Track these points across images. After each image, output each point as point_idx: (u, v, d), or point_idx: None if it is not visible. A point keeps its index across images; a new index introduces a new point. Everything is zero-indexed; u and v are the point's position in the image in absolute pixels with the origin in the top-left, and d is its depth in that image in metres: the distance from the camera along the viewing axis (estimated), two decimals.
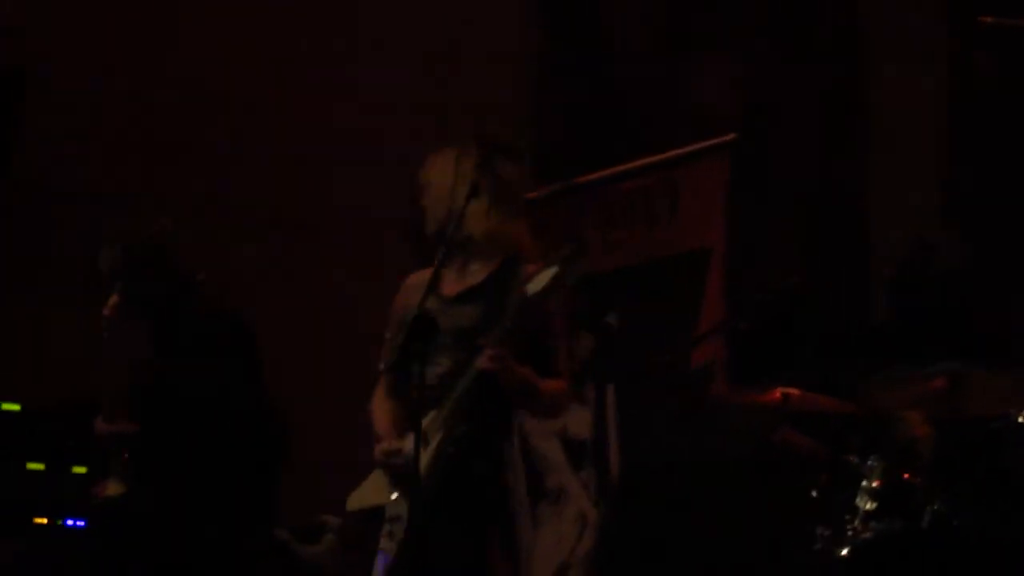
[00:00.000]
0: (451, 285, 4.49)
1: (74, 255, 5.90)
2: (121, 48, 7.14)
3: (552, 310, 4.37)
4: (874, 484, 5.21)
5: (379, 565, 4.41)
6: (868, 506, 5.19)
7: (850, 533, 5.20)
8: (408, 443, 4.24)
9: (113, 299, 5.29)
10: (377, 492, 4.56)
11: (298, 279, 7.05)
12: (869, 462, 5.25)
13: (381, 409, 4.63)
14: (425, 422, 4.28)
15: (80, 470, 6.22)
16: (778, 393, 5.52)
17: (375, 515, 4.50)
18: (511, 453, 4.43)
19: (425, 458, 4.27)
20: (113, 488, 5.35)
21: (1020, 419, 5.20)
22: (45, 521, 6.15)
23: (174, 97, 7.21)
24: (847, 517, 5.24)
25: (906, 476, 5.19)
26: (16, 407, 6.25)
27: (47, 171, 6.94)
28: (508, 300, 4.33)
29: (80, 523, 6.06)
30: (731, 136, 6.19)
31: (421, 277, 4.53)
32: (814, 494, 5.30)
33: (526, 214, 4.57)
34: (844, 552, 5.16)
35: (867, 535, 5.15)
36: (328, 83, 7.25)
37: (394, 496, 4.44)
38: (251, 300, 5.48)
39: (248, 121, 7.16)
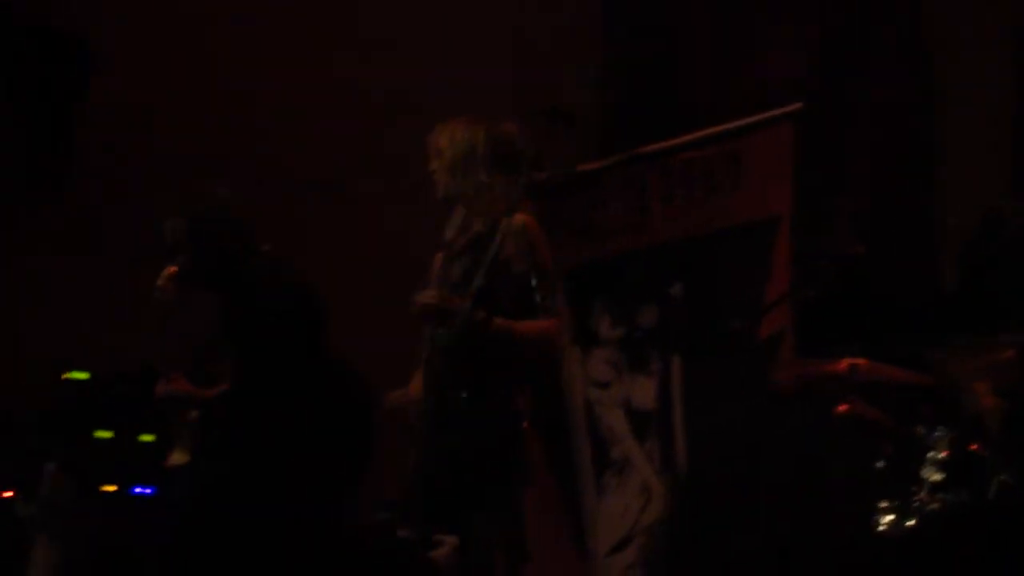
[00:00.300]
0: (453, 240, 4.58)
1: (139, 225, 5.83)
2: (183, 20, 7.15)
3: (530, 248, 4.39)
4: (941, 455, 5.19)
5: None
6: (934, 477, 5.17)
7: (916, 504, 5.18)
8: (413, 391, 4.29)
9: (169, 270, 5.24)
10: None
11: (359, 247, 7.04)
12: (936, 433, 5.23)
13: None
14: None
15: (148, 438, 6.17)
16: (845, 363, 5.47)
17: None
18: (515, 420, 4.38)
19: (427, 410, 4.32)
20: (178, 457, 5.31)
21: None
22: (114, 488, 6.12)
23: (236, 65, 7.19)
24: (913, 489, 5.21)
25: (973, 447, 5.16)
26: (84, 376, 6.24)
27: (111, 141, 6.90)
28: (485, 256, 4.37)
29: (148, 490, 6.05)
30: (797, 105, 6.15)
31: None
32: (880, 465, 5.28)
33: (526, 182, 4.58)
34: (910, 523, 5.15)
35: (934, 506, 5.14)
36: (381, 48, 7.22)
37: None
38: (315, 272, 5.16)
39: (308, 91, 7.13)
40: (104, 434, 6.05)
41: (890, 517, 5.14)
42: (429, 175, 4.69)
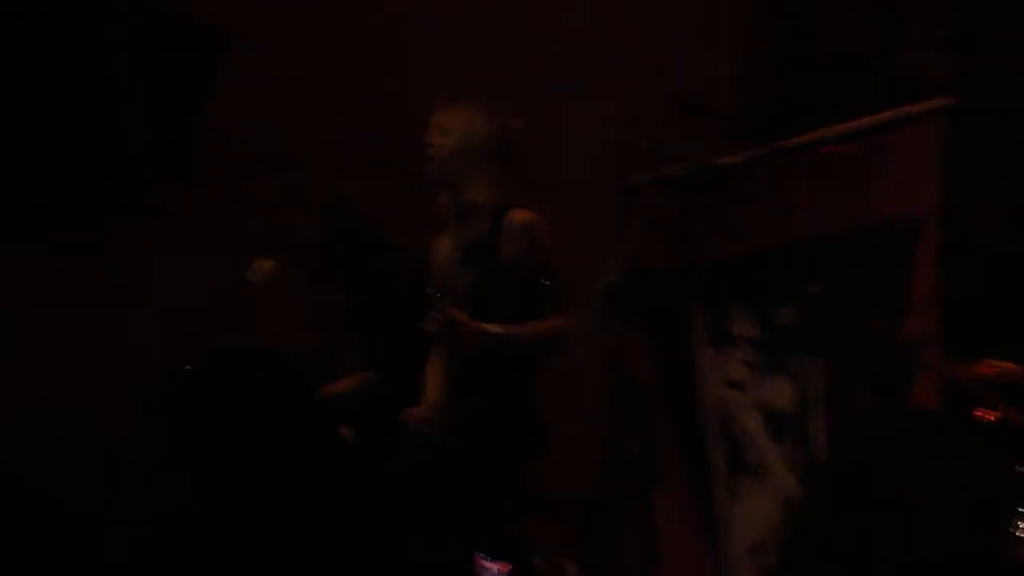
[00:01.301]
0: (452, 244, 4.39)
1: (268, 221, 5.96)
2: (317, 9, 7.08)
3: (536, 248, 4.21)
4: None
5: None
6: None
7: None
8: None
9: (266, 265, 5.30)
10: None
11: None
12: None
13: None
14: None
15: None
16: (993, 367, 5.39)
17: None
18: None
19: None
20: None
21: None
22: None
23: (374, 61, 7.14)
24: None
25: None
26: None
27: (239, 135, 6.87)
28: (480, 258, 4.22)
29: None
30: (946, 99, 5.93)
31: (441, 241, 4.46)
32: (1020, 469, 5.13)
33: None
34: None
35: None
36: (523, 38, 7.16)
37: None
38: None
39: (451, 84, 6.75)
40: None
41: None
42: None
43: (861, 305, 5.84)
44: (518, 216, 4.39)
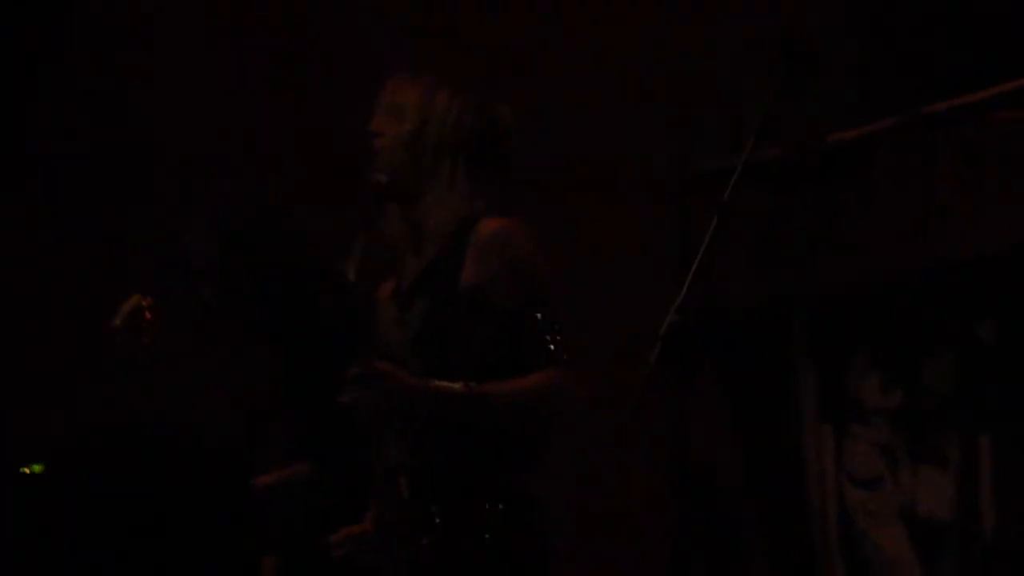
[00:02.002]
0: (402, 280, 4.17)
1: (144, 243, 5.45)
2: None
3: (518, 269, 3.96)
4: None
5: None
6: None
7: None
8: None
9: (133, 300, 4.59)
10: None
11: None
12: None
13: None
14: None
15: None
16: None
17: None
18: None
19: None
20: None
21: None
22: None
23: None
24: None
25: None
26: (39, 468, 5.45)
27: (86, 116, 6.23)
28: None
29: None
30: None
31: (388, 284, 4.20)
32: None
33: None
34: None
35: None
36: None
37: None
38: None
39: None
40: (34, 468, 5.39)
41: None
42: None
43: None
44: (487, 226, 4.00)
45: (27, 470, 5.16)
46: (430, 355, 3.97)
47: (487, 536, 3.86)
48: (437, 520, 3.84)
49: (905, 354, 5.61)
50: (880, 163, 5.71)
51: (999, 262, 5.45)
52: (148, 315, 4.60)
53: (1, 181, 6.10)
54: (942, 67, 5.93)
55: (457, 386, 3.85)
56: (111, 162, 6.23)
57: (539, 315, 3.96)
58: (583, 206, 5.52)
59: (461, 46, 6.29)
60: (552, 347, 3.93)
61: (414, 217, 4.10)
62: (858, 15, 6.26)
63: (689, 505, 5.11)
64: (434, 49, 6.22)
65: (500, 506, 3.91)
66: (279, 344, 4.84)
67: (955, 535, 5.47)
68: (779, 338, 5.82)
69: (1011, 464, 5.34)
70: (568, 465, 4.64)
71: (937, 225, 5.48)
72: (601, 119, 6.38)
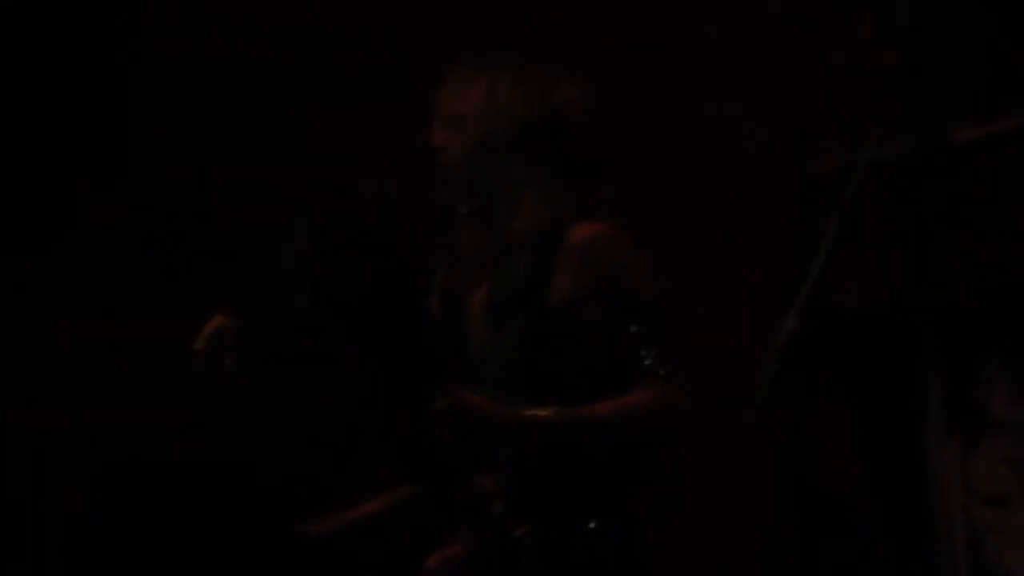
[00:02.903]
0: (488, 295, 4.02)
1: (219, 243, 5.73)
2: None
3: (611, 277, 3.77)
4: None
5: None
6: None
7: None
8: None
9: (216, 321, 4.37)
10: None
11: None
12: None
13: None
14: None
15: None
16: None
17: None
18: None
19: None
20: None
21: None
22: None
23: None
24: None
25: None
26: None
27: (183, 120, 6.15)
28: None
29: None
30: None
31: (475, 296, 4.04)
32: None
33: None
34: None
35: None
36: None
37: None
38: None
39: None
40: None
41: None
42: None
43: None
44: (577, 234, 3.81)
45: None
46: (524, 375, 3.81)
47: (582, 558, 3.74)
48: (530, 543, 3.72)
49: None
50: (1010, 160, 5.42)
51: None
52: (232, 336, 4.43)
53: (91, 184, 6.00)
54: None
55: (547, 413, 3.69)
56: (202, 162, 6.12)
57: (634, 328, 3.78)
58: (692, 207, 5.42)
59: (558, 40, 5.97)
60: (648, 363, 3.76)
61: (496, 228, 3.93)
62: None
63: (810, 521, 5.40)
64: (522, 39, 5.80)
65: (595, 526, 3.76)
66: (376, 356, 4.64)
67: None
68: (904, 345, 5.52)
69: None
70: (674, 482, 4.44)
71: None
72: (712, 114, 6.15)
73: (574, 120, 3.89)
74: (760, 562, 5.65)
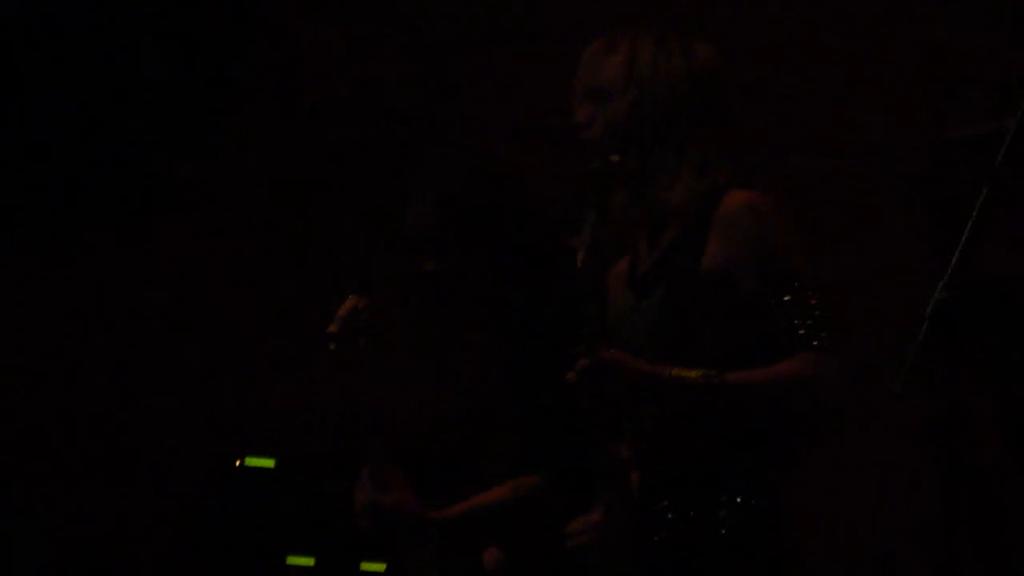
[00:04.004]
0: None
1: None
2: None
3: (767, 245, 3.62)
4: None
5: None
6: None
7: None
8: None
9: (349, 303, 4.20)
10: None
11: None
12: None
13: None
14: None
15: (375, 567, 5.16)
16: None
17: None
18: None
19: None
20: None
21: None
22: None
23: None
24: None
25: None
26: (269, 463, 5.33)
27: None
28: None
29: None
30: None
31: (619, 268, 3.91)
32: None
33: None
34: None
35: None
36: None
37: None
38: None
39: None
40: (302, 560, 5.16)
41: None
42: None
43: None
44: (732, 201, 3.64)
45: (253, 463, 5.11)
46: (668, 346, 3.65)
47: (723, 532, 3.59)
48: (670, 516, 3.59)
49: None
50: None
51: None
52: (365, 316, 4.32)
53: (206, 148, 5.91)
54: None
55: (696, 375, 3.56)
56: (328, 130, 6.03)
57: (787, 297, 3.62)
58: (836, 177, 5.27)
59: (698, 14, 5.84)
60: (803, 332, 3.60)
61: (645, 198, 3.78)
62: None
63: (956, 497, 4.71)
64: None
65: (738, 499, 3.62)
66: (504, 328, 4.43)
67: None
68: None
69: None
70: (820, 456, 4.16)
71: None
72: (853, 84, 6.07)
73: (719, 79, 3.77)
74: (907, 538, 5.59)
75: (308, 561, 5.15)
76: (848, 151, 5.74)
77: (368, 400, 4.36)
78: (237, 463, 5.15)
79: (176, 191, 5.86)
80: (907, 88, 5.90)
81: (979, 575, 5.59)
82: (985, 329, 5.32)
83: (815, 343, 3.54)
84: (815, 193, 5.26)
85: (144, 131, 5.84)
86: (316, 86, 6.16)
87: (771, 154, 5.64)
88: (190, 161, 5.88)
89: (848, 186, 5.35)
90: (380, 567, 5.12)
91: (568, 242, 4.10)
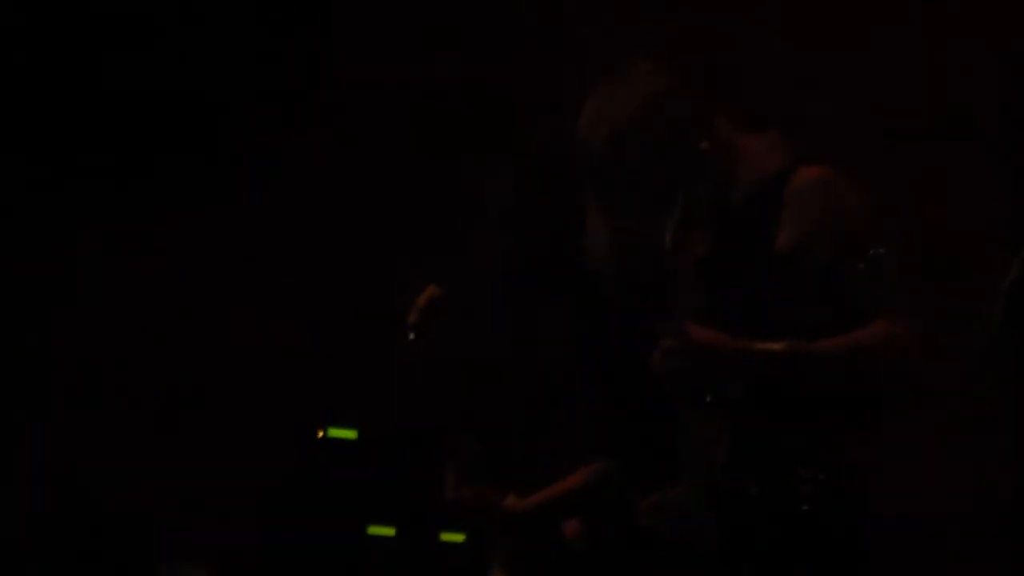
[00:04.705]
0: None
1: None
2: None
3: (837, 216, 3.61)
4: None
5: None
6: None
7: None
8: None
9: (429, 292, 4.28)
10: None
11: None
12: None
13: None
14: None
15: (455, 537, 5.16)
16: None
17: None
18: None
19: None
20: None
21: None
22: None
23: None
24: None
25: None
26: (352, 434, 5.38)
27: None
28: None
29: None
30: None
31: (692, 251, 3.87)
32: None
33: None
34: None
35: None
36: None
37: None
38: None
39: None
40: (383, 530, 5.23)
41: None
42: None
43: None
44: (803, 176, 3.65)
45: (336, 434, 5.16)
46: (744, 324, 3.60)
47: (805, 508, 3.55)
48: (753, 492, 3.54)
49: None
50: None
51: None
52: (441, 305, 4.38)
53: (294, 130, 5.94)
54: None
55: (780, 346, 3.52)
56: (408, 111, 6.01)
57: (861, 265, 3.59)
58: (907, 155, 5.20)
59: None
60: (881, 299, 3.59)
61: (722, 177, 3.77)
62: None
63: None
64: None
65: (820, 476, 3.57)
66: (579, 304, 4.43)
67: None
68: None
69: None
70: (896, 434, 4.05)
71: None
72: (924, 61, 5.98)
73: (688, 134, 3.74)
74: (981, 514, 5.55)
75: (389, 531, 5.16)
76: (921, 121, 5.68)
77: (448, 387, 4.53)
78: (320, 434, 5.16)
79: (276, 168, 5.90)
80: (982, 57, 5.84)
81: None
82: None
83: (893, 309, 3.52)
84: (887, 165, 5.24)
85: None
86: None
87: (842, 123, 5.80)
88: (282, 141, 5.91)
89: (921, 157, 5.32)
90: (459, 537, 5.07)
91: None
